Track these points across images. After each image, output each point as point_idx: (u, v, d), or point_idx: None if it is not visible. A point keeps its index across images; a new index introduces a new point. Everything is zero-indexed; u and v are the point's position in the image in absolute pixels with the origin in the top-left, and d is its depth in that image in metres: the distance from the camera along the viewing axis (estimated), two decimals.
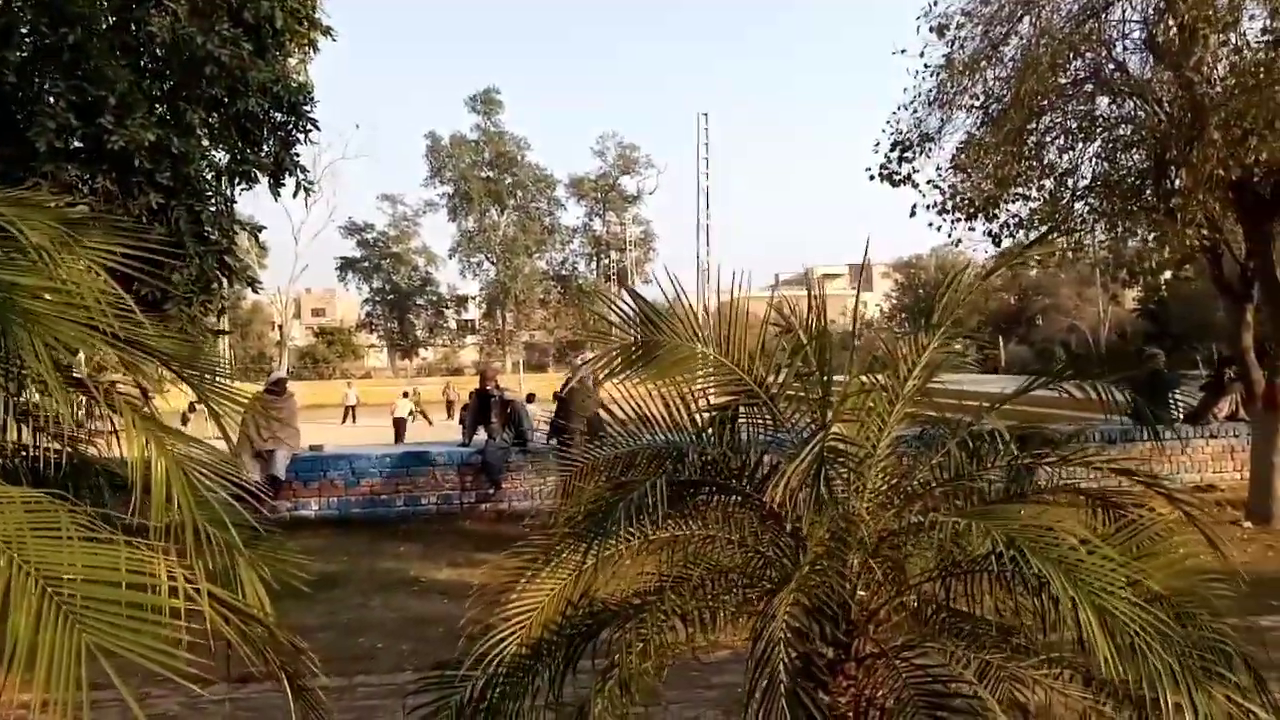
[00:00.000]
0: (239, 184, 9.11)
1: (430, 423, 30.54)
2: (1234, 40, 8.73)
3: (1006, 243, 11.00)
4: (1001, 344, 34.56)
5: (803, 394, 3.05)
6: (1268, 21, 8.50)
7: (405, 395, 30.21)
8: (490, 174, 57.02)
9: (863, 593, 2.94)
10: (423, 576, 7.87)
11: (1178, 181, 9.41)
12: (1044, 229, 10.91)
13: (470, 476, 10.47)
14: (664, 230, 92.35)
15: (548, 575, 2.86)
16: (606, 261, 60.81)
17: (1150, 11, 9.60)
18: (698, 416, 3.18)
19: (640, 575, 3.17)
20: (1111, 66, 9.98)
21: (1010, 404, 3.45)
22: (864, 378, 3.00)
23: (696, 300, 3.47)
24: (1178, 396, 12.12)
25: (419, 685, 3.08)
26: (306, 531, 9.56)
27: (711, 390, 3.15)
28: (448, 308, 62.29)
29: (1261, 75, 8.02)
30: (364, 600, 7.24)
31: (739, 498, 2.95)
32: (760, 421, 3.19)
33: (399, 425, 26.86)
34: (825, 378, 2.96)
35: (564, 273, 60.23)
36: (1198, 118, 8.59)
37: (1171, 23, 9.02)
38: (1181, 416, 11.97)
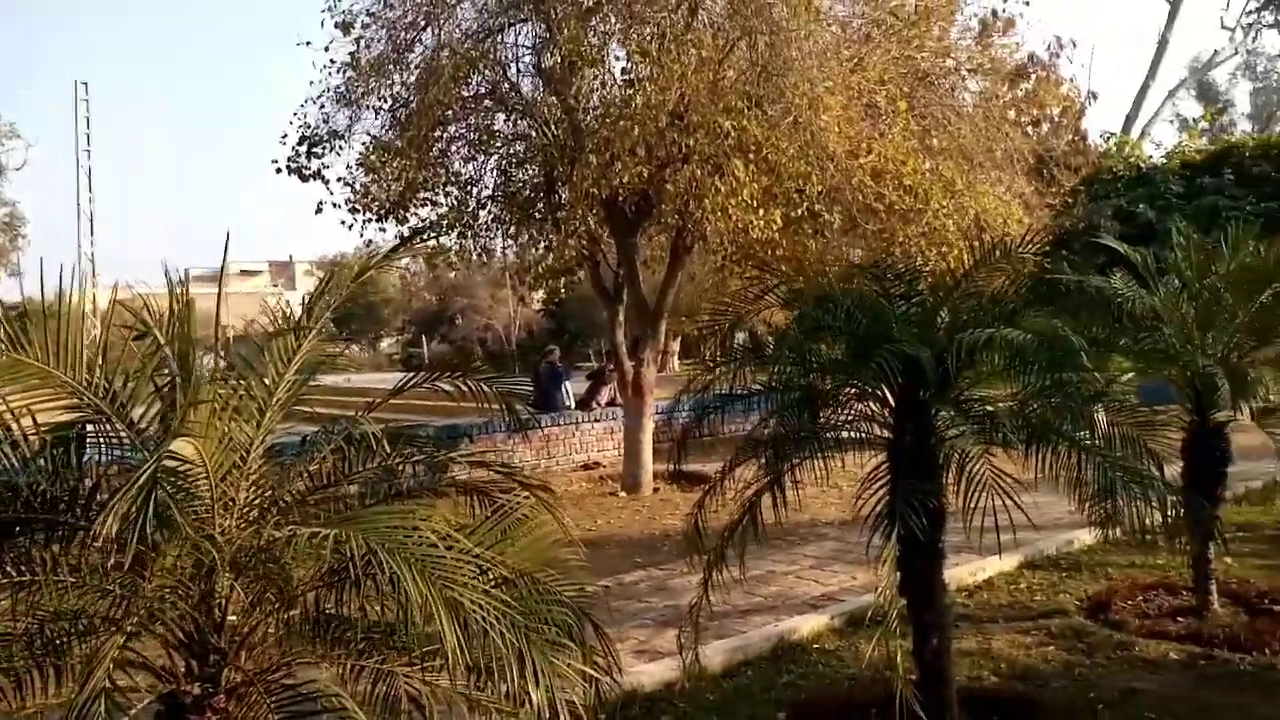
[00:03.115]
0: None
1: None
2: (603, 75, 10.05)
3: (419, 246, 11.36)
4: (425, 342, 35.86)
5: (159, 406, 2.72)
6: (626, 63, 9.91)
7: None
8: None
9: (234, 617, 2.71)
10: None
11: (563, 196, 10.58)
12: (454, 234, 11.53)
13: None
14: (45, 216, 78.97)
15: None
16: None
17: (537, 40, 10.61)
18: (24, 440, 2.66)
19: None
20: (507, 86, 10.82)
21: (432, 400, 3.48)
22: (231, 384, 2.75)
23: (80, 297, 2.90)
24: (568, 387, 13.72)
25: None
26: None
27: (41, 407, 2.66)
28: None
29: (623, 109, 9.33)
30: None
31: (76, 532, 2.52)
32: (113, 440, 2.79)
33: None
34: (187, 386, 2.67)
35: None
36: (577, 141, 9.71)
37: (555, 52, 10.08)
38: (573, 404, 13.55)
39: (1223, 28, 49.72)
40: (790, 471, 4.40)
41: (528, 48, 10.76)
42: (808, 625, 5.87)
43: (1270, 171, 16.54)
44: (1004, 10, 14.11)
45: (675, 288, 11.33)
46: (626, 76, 9.89)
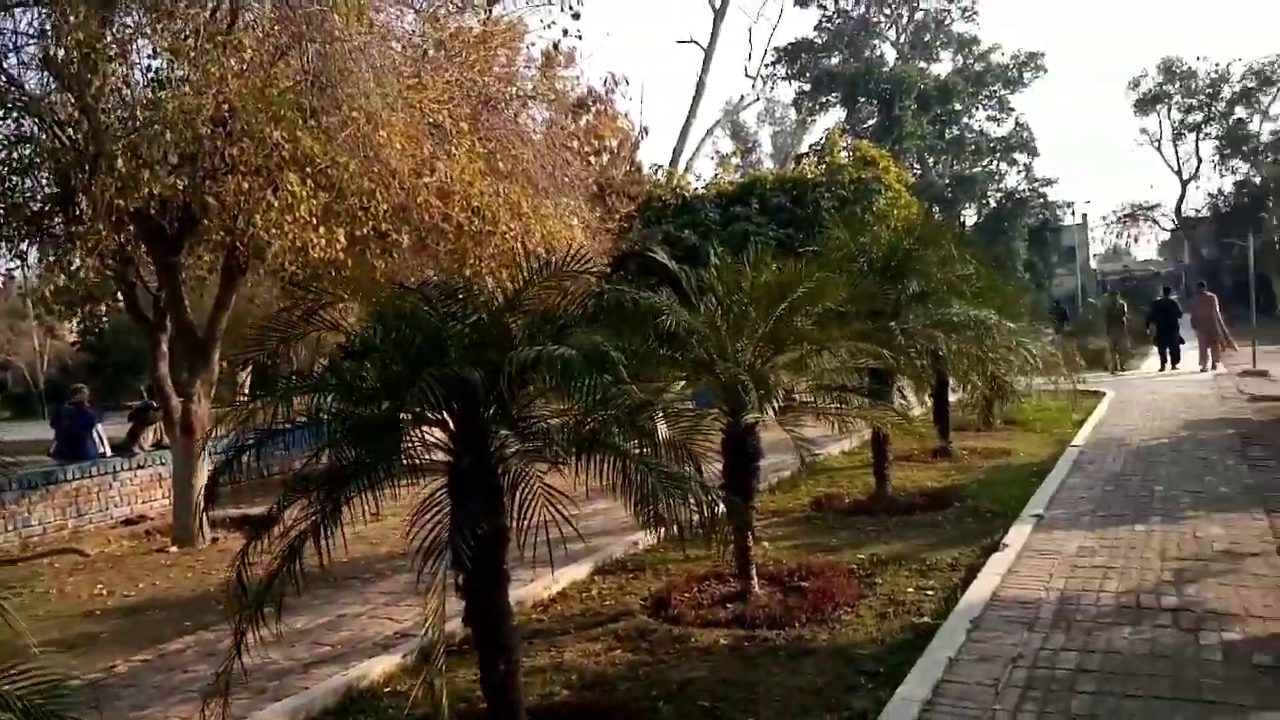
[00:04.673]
0: None
1: None
2: (127, 73, 8.84)
3: None
4: None
5: None
6: (153, 63, 8.82)
7: None
8: None
9: None
10: None
11: (83, 209, 9.12)
12: None
13: None
14: None
15: None
16: None
17: (44, 28, 9.06)
18: None
19: None
20: (4, 79, 9.13)
21: None
22: None
23: None
24: (101, 430, 11.92)
25: None
26: None
27: None
28: None
29: (154, 112, 8.26)
30: None
31: None
32: None
33: None
34: None
35: None
36: (99, 146, 8.41)
37: (67, 44, 8.65)
38: (109, 450, 11.79)
39: (746, 76, 57.48)
40: (342, 507, 4.05)
41: (32, 36, 9.17)
42: (379, 668, 5.51)
43: (786, 202, 19.15)
44: (563, 44, 14.87)
45: (229, 311, 10.29)
46: (156, 76, 8.80)
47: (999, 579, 6.38)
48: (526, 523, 3.88)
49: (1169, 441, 11.98)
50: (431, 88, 9.85)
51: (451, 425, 4.31)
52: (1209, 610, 5.51)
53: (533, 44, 13.30)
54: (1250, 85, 46.65)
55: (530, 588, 6.66)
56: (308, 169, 8.58)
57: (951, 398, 12.53)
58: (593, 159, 19.10)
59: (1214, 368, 20.88)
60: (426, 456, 4.30)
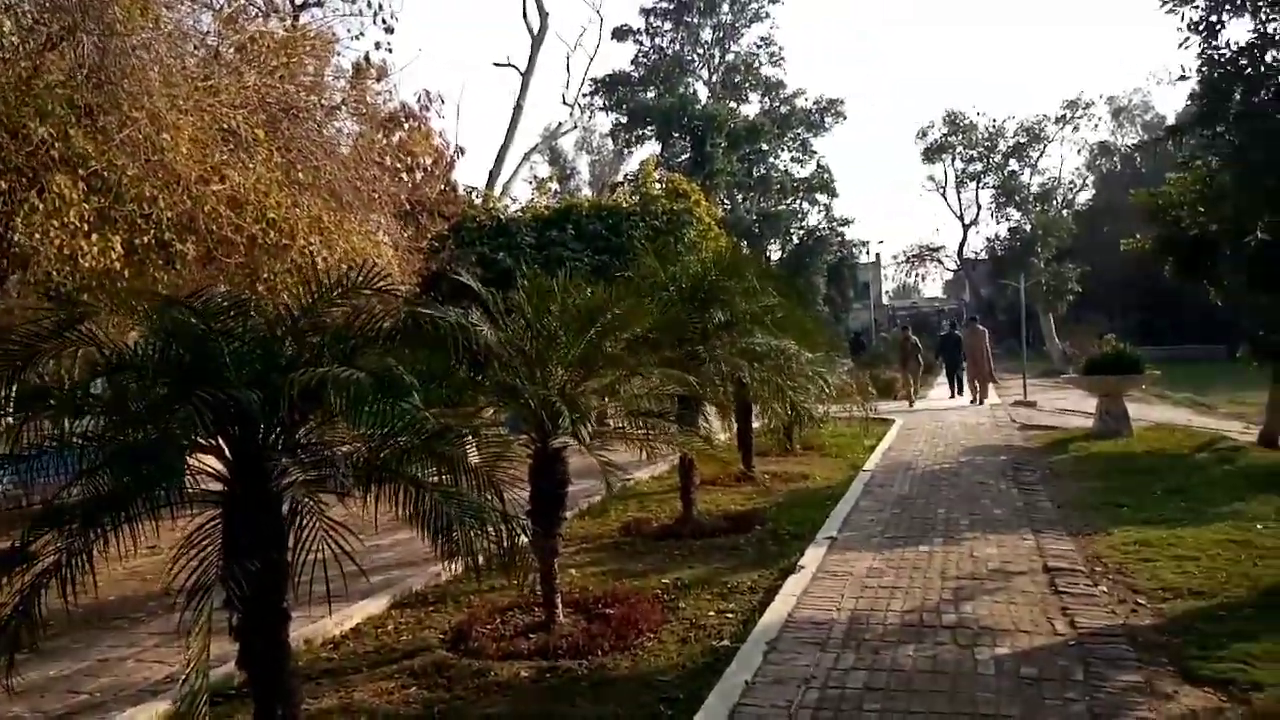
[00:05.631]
0: None
1: None
2: None
3: None
4: None
5: None
6: None
7: None
8: None
9: None
10: None
11: None
12: None
13: None
14: None
15: None
16: None
17: None
18: None
19: None
20: None
21: None
22: None
23: None
24: None
25: None
26: None
27: None
28: None
29: None
30: None
31: None
32: None
33: None
34: None
35: None
36: None
37: None
38: None
39: (564, 104, 57.95)
40: (96, 543, 3.64)
41: None
42: (142, 717, 5.00)
43: (602, 230, 19.30)
44: (375, 56, 14.42)
45: None
46: None
47: (794, 600, 6.55)
48: (308, 557, 3.62)
49: (950, 467, 12.83)
50: (226, 92, 9.27)
51: (227, 452, 3.98)
52: (984, 626, 5.86)
53: (339, 53, 12.81)
54: (1022, 141, 51.31)
55: (320, 624, 6.27)
56: (80, 170, 7.85)
57: (754, 424, 12.92)
58: (405, 176, 18.57)
59: (981, 401, 22.43)
60: (199, 486, 3.94)
